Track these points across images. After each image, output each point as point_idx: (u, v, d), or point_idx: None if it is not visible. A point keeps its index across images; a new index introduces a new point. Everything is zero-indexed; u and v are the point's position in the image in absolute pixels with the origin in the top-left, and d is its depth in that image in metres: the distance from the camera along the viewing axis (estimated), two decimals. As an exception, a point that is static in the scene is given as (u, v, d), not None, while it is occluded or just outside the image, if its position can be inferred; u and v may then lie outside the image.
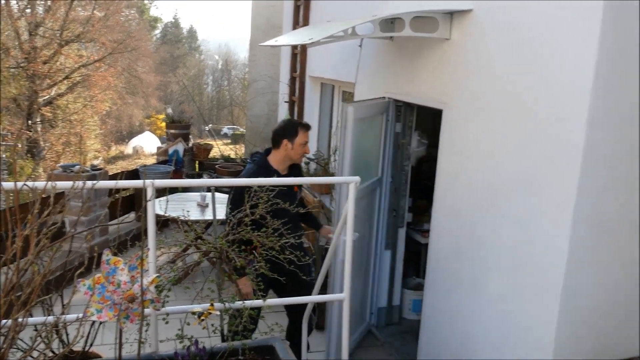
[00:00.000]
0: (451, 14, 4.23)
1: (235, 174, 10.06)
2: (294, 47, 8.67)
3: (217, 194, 7.48)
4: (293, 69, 8.89)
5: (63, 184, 2.44)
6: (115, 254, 2.45)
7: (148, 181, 2.48)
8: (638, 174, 3.27)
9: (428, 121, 5.59)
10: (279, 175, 4.22)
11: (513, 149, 3.61)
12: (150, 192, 2.62)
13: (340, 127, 4.56)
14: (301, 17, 8.36)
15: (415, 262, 6.26)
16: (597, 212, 3.21)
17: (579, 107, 3.07)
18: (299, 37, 5.39)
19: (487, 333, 3.89)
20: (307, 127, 4.33)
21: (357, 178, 3.12)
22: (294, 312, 4.44)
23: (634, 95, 3.13)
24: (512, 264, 3.63)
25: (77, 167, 6.90)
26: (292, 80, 8.95)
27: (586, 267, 3.26)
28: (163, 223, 7.01)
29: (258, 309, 3.70)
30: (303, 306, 4.12)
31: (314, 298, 3.90)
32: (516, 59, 3.58)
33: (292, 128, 4.27)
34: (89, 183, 2.31)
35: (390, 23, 4.55)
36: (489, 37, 3.85)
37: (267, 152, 4.36)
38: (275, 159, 4.28)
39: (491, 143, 3.82)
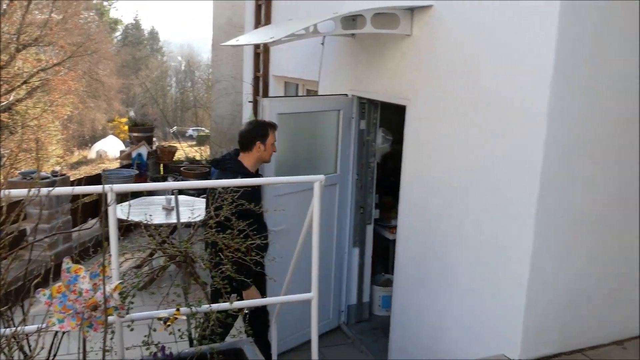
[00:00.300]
0: (412, 10, 4.24)
1: (201, 176, 9.97)
2: (257, 46, 8.61)
3: (182, 197, 7.41)
4: (256, 68, 8.83)
5: (18, 192, 2.37)
6: (77, 262, 2.39)
7: (107, 186, 2.43)
8: (599, 165, 3.32)
9: (393, 117, 5.59)
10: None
11: (476, 144, 3.63)
12: (110, 197, 2.56)
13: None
14: (263, 16, 8.30)
15: (383, 258, 6.28)
16: (561, 204, 3.25)
17: (540, 102, 3.11)
18: (261, 36, 5.36)
19: (456, 326, 3.91)
20: (275, 127, 4.29)
21: (321, 177, 3.10)
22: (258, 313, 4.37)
23: (592, 89, 3.19)
24: (479, 257, 3.65)
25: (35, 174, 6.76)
26: (256, 79, 8.89)
27: (551, 258, 3.30)
28: (127, 228, 6.90)
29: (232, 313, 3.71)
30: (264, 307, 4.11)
31: (282, 298, 3.87)
32: (477, 54, 3.60)
33: (262, 129, 4.21)
34: (44, 190, 2.25)
35: (352, 20, 4.54)
36: (450, 32, 3.86)
37: (236, 154, 4.26)
38: (249, 162, 4.19)
39: (454, 138, 3.84)
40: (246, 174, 4.12)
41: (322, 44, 5.72)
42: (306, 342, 5.12)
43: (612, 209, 3.45)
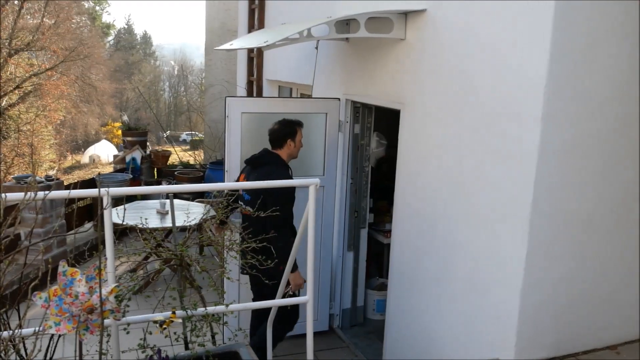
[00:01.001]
0: (405, 15, 4.26)
1: (195, 180, 9.97)
2: (250, 50, 8.63)
3: (176, 201, 7.40)
4: (250, 72, 8.85)
5: (14, 196, 2.37)
6: (72, 265, 2.40)
7: (103, 190, 2.43)
8: (593, 168, 3.34)
9: (387, 121, 5.62)
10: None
11: (470, 147, 3.65)
12: (106, 201, 2.57)
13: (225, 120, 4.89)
14: (256, 20, 8.32)
15: (378, 262, 6.29)
16: (555, 207, 3.26)
17: (534, 104, 3.12)
18: (254, 40, 5.37)
19: (450, 330, 3.92)
20: (301, 125, 4.59)
21: (316, 180, 3.12)
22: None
23: (586, 93, 3.20)
24: (473, 261, 3.66)
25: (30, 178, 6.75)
26: (250, 84, 8.90)
27: (545, 261, 3.31)
28: (122, 232, 6.88)
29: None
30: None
31: (278, 302, 3.88)
32: (470, 58, 3.62)
33: (292, 127, 4.53)
34: (41, 194, 2.25)
35: (346, 24, 4.56)
36: (443, 36, 3.88)
37: (270, 152, 4.51)
38: (284, 158, 4.50)
39: (449, 142, 3.86)
40: (288, 167, 4.48)
41: (316, 48, 5.74)
42: (293, 337, 5.18)
43: (606, 213, 3.46)
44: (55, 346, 2.68)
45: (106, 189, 2.49)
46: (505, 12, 3.32)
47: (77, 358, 2.51)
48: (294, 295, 4.26)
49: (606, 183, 3.41)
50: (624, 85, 3.31)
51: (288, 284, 4.16)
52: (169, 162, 11.16)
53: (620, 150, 3.40)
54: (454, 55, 3.78)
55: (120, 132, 14.38)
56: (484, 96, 3.50)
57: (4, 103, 22.18)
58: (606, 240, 3.51)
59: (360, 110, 5.33)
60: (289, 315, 4.47)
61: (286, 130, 4.50)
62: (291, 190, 4.27)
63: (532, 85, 3.13)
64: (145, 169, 10.34)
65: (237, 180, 4.66)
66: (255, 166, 4.46)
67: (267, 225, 3.99)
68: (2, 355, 2.31)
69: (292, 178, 4.42)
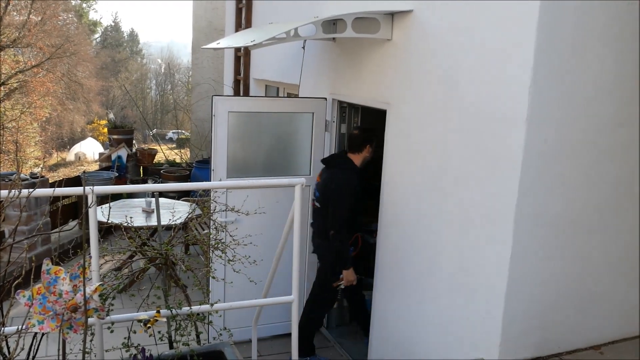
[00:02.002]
0: (392, 15, 4.27)
1: (181, 179, 9.94)
2: (237, 49, 8.62)
3: (162, 200, 7.38)
4: (237, 71, 8.84)
5: (-1, 193, 2.36)
6: (56, 263, 2.39)
7: (88, 188, 2.42)
8: (578, 170, 3.36)
9: (374, 121, 5.62)
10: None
11: (456, 148, 3.66)
12: (90, 199, 2.56)
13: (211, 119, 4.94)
14: (243, 19, 8.31)
15: (365, 262, 6.29)
16: (539, 208, 3.28)
17: (519, 106, 3.13)
18: (241, 39, 5.37)
19: (435, 330, 3.94)
20: (377, 132, 4.89)
21: (302, 180, 3.12)
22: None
23: (571, 93, 3.22)
24: (458, 261, 3.68)
25: (15, 175, 6.70)
26: (237, 83, 8.89)
27: (530, 262, 3.33)
28: (107, 230, 6.85)
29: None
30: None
31: (264, 301, 3.88)
32: (456, 59, 3.63)
33: (371, 135, 4.89)
34: (25, 191, 2.24)
35: (333, 24, 4.56)
36: (430, 37, 3.90)
37: (344, 155, 4.86)
38: (357, 161, 4.85)
39: (434, 142, 3.87)
40: (357, 171, 4.80)
41: (303, 47, 5.74)
42: (279, 336, 5.24)
43: (590, 214, 3.49)
44: (39, 345, 2.66)
45: (91, 187, 2.48)
46: (491, 14, 3.33)
47: (61, 357, 2.50)
48: (339, 289, 4.82)
49: (591, 184, 3.44)
50: (609, 87, 3.34)
51: (340, 278, 4.72)
52: (155, 160, 11.13)
53: (605, 152, 3.43)
54: (440, 56, 3.79)
55: (106, 129, 14.30)
56: (470, 97, 3.52)
57: (-11, 100, 22.01)
58: (591, 241, 3.54)
59: (346, 110, 5.34)
60: (325, 302, 5.08)
61: (367, 137, 4.83)
62: (347, 194, 4.62)
63: (517, 86, 3.14)
64: (131, 167, 10.30)
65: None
66: (328, 167, 4.84)
67: (327, 224, 4.68)
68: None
69: (357, 183, 4.72)
